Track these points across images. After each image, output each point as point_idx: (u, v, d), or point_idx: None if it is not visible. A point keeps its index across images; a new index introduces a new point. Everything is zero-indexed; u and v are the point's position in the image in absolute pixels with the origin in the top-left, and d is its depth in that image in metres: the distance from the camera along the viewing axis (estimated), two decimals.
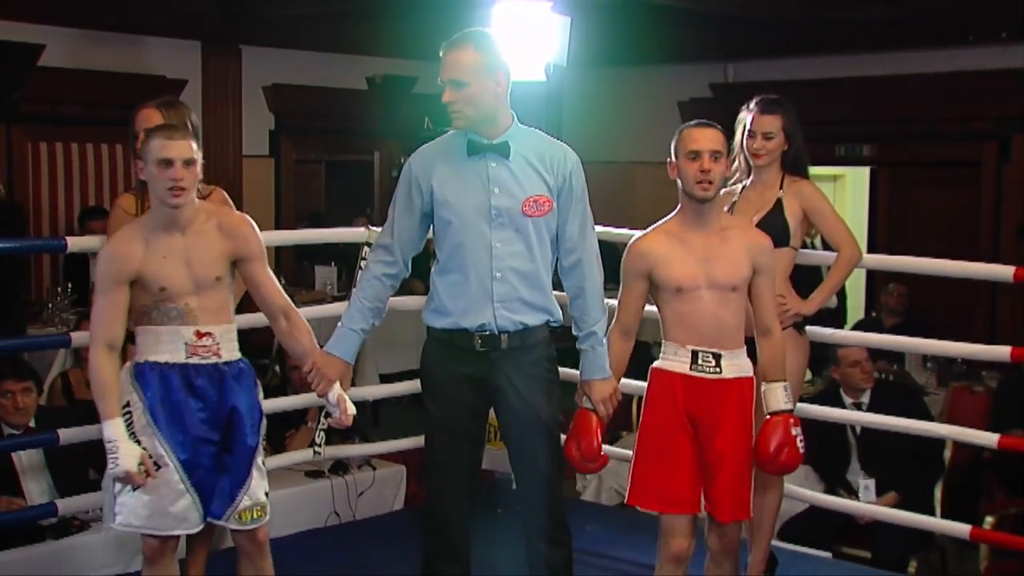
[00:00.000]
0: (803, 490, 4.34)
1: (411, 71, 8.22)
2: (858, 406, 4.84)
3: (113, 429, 2.91)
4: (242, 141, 7.87)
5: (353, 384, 3.25)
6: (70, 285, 6.31)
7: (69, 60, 6.99)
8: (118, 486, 2.97)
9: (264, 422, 3.10)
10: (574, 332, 3.13)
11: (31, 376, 4.27)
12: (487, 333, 3.04)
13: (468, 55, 2.96)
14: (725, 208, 3.69)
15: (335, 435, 4.55)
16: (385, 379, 6.49)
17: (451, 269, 3.06)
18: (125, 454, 2.89)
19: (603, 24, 7.30)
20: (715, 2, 6.85)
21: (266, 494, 3.07)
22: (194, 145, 2.96)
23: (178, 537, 3.07)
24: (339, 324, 3.12)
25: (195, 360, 2.96)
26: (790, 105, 3.66)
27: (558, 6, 5.06)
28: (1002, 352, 3.67)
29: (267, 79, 8.03)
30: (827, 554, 4.40)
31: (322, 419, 4.21)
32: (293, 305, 3.15)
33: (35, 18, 6.77)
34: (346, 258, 7.13)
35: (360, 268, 4.15)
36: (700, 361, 3.08)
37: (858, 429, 4.79)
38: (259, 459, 3.05)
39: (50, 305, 6.17)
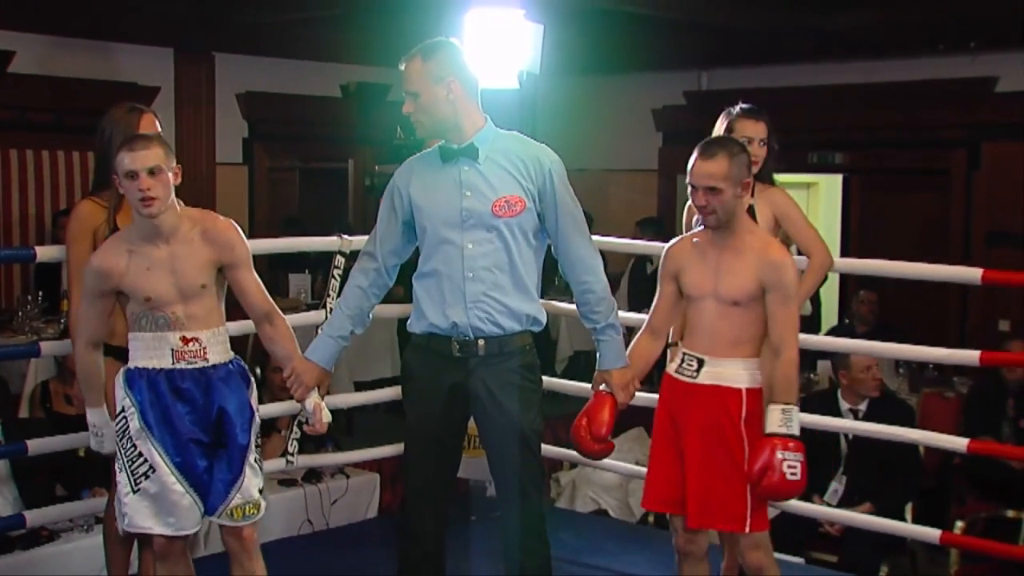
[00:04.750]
0: None
1: (385, 78, 8.20)
2: (855, 413, 4.83)
3: (97, 416, 3.11)
4: (215, 149, 7.82)
5: (328, 392, 3.25)
6: (40, 293, 6.25)
7: (39, 66, 6.92)
8: (123, 489, 3.00)
9: (257, 421, 3.12)
10: (588, 327, 3.17)
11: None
12: (464, 338, 3.03)
13: (416, 65, 3.01)
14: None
15: (309, 444, 4.52)
16: (360, 387, 6.47)
17: (427, 273, 3.07)
18: (109, 437, 3.08)
19: (577, 32, 7.32)
20: (688, 10, 6.87)
21: (260, 492, 3.09)
22: (162, 152, 2.94)
23: (186, 536, 3.08)
24: (319, 331, 3.13)
25: (181, 365, 3.00)
26: None
27: (531, 14, 5.07)
28: (971, 356, 3.71)
29: (240, 86, 8.00)
30: (799, 560, 4.42)
31: (295, 428, 4.18)
32: (278, 310, 3.17)
33: (5, 24, 6.71)
34: (320, 266, 7.10)
35: (333, 277, 4.15)
36: (684, 363, 3.17)
37: (850, 437, 4.76)
38: (252, 457, 3.07)
39: (20, 313, 6.10)
